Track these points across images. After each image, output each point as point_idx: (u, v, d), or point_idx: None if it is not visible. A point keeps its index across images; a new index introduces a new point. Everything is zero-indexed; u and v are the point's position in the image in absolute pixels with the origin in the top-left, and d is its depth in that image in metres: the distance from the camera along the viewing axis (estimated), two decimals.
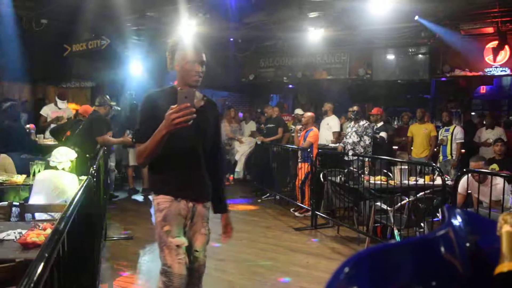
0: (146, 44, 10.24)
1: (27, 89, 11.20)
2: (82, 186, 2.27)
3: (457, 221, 0.86)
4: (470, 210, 3.67)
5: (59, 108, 8.34)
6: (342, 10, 7.90)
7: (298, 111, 10.05)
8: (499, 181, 4.41)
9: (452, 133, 7.99)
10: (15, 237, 2.72)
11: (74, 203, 1.78)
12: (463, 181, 4.66)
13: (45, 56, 9.14)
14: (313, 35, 9.06)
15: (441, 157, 8.17)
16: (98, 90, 11.98)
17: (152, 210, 2.90)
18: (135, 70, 11.01)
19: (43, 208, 3.62)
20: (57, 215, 3.80)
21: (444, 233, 0.80)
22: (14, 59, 9.34)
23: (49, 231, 2.78)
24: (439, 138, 8.18)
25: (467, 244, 0.85)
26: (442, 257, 0.77)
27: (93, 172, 3.70)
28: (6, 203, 3.48)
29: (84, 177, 4.92)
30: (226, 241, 2.85)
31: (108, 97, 6.14)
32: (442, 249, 0.78)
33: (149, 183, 2.81)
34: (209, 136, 2.66)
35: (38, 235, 2.66)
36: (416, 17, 7.87)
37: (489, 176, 4.58)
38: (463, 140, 7.95)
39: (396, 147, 9.25)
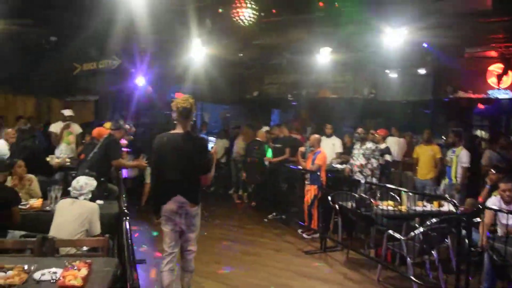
0: (151, 61, 10.28)
1: (32, 102, 11.24)
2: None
3: None
4: None
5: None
6: (349, 33, 7.98)
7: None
8: None
9: (458, 156, 7.67)
10: (51, 277, 2.76)
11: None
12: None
13: (54, 72, 9.19)
14: (320, 57, 9.13)
15: (446, 180, 7.91)
16: (102, 103, 12.06)
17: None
18: (139, 84, 11.08)
19: (73, 243, 3.65)
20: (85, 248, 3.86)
21: None
22: (22, 74, 9.41)
23: (83, 271, 2.83)
24: (446, 158, 7.93)
25: None
26: None
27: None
28: (35, 237, 3.47)
29: (100, 201, 4.96)
30: None
31: (122, 121, 6.18)
32: None
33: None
34: None
35: (75, 277, 2.71)
36: (424, 45, 7.97)
37: None
38: (468, 165, 7.61)
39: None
